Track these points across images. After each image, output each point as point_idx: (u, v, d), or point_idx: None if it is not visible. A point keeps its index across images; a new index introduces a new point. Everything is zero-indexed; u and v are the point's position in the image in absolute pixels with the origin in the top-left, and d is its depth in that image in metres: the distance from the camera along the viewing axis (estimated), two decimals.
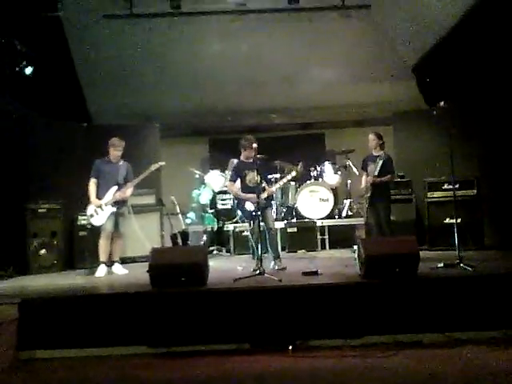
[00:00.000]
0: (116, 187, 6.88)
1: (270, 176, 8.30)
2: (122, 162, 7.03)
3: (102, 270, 6.77)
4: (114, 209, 6.83)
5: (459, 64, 7.79)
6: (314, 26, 8.63)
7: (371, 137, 7.23)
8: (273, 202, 7.82)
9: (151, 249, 5.57)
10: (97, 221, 6.82)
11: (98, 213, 6.79)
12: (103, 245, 6.84)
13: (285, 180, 6.93)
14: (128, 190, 6.94)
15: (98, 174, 6.92)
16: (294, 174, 6.90)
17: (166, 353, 4.67)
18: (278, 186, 6.96)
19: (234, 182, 6.74)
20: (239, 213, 6.92)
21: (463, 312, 4.75)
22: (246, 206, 6.54)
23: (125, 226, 7.12)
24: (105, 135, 7.19)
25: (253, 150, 6.34)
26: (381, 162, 6.94)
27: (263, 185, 6.57)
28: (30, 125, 7.99)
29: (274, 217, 8.32)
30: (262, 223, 6.32)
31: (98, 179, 6.90)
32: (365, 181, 7.25)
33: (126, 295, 5.17)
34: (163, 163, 7.29)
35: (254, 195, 6.22)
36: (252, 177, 6.50)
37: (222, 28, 8.61)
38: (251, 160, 6.50)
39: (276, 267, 6.41)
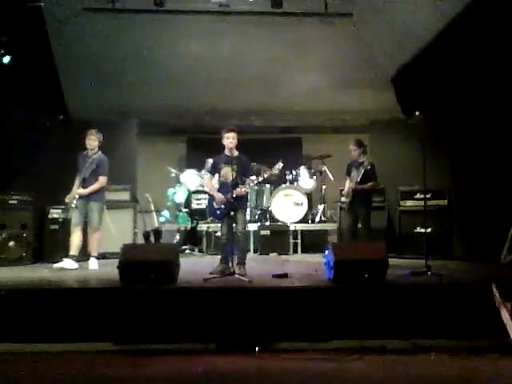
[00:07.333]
0: (77, 181, 6.83)
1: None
2: (95, 156, 6.92)
3: (65, 263, 6.64)
4: (76, 203, 6.74)
5: (437, 76, 7.91)
6: (296, 31, 8.70)
7: (351, 147, 7.20)
8: (248, 204, 7.69)
9: (122, 245, 5.52)
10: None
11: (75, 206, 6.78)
12: (71, 239, 6.80)
13: (256, 181, 6.29)
14: (87, 189, 6.77)
15: (76, 167, 6.91)
16: (266, 175, 6.18)
17: (131, 350, 4.62)
18: (247, 186, 6.04)
19: (213, 175, 6.30)
20: (208, 210, 6.59)
21: (428, 319, 4.82)
22: (214, 203, 6.08)
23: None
24: (81, 129, 7.10)
25: (230, 138, 5.93)
26: (363, 170, 6.94)
27: (240, 183, 5.94)
28: (2, 114, 7.80)
29: (248, 219, 8.26)
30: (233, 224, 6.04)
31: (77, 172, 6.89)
32: (347, 186, 7.28)
33: (93, 290, 5.15)
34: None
35: (221, 195, 5.91)
36: (226, 172, 5.99)
37: (204, 28, 8.60)
38: (234, 154, 6.06)
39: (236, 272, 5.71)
